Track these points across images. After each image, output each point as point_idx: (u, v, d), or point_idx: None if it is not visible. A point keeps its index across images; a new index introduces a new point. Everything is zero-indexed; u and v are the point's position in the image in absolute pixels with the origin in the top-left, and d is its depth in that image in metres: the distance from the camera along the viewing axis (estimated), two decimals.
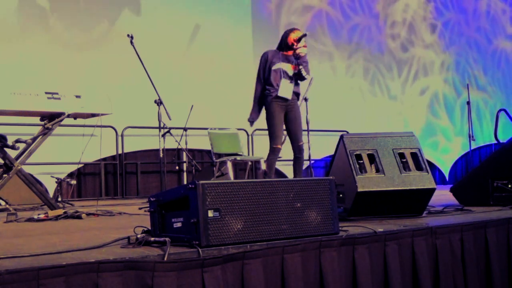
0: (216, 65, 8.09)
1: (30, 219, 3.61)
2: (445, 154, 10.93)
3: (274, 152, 5.07)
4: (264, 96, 5.11)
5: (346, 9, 9.70)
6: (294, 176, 5.17)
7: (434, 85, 11.04)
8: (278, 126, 5.05)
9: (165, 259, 1.89)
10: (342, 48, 9.58)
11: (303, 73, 5.07)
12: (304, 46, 5.08)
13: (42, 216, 3.66)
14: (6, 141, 4.20)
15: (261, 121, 8.22)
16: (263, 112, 5.20)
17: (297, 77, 5.10)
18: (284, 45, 5.12)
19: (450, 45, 11.39)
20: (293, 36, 5.07)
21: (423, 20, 10.99)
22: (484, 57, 11.93)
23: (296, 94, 5.15)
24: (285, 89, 5.04)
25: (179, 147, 6.71)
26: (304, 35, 5.05)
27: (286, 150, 5.31)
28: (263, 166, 7.24)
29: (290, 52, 5.08)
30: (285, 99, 5.05)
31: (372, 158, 3.21)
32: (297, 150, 5.15)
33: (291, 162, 5.23)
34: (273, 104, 5.03)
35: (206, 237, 2.02)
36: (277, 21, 8.87)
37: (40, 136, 4.29)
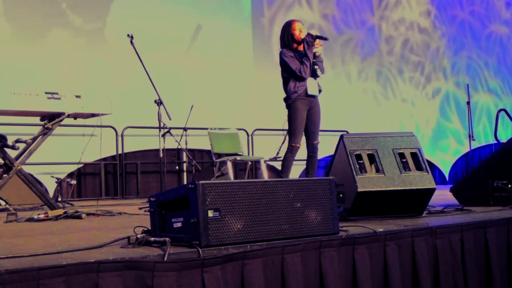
0: (216, 65, 8.10)
1: (30, 219, 3.61)
2: (456, 156, 10.97)
3: (292, 150, 4.99)
4: (288, 94, 5.04)
5: (339, 23, 9.69)
6: (307, 176, 5.13)
7: (445, 88, 11.07)
8: (300, 125, 4.97)
9: (165, 259, 1.89)
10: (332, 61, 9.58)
11: (318, 72, 5.05)
12: (320, 45, 5.06)
13: (42, 216, 3.65)
14: (6, 141, 4.20)
15: (261, 121, 8.28)
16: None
17: (312, 76, 5.08)
18: (293, 42, 5.05)
19: (460, 48, 11.42)
20: (297, 32, 5.02)
21: (431, 23, 11.01)
22: (493, 59, 11.95)
23: (319, 91, 5.12)
24: (311, 86, 5.02)
25: (179, 147, 6.71)
26: (324, 38, 5.00)
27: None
28: (263, 166, 7.24)
29: (301, 47, 5.03)
30: (311, 96, 5.02)
31: (372, 158, 3.21)
32: (311, 148, 5.10)
33: (297, 162, 5.17)
34: (297, 102, 4.97)
35: (206, 237, 2.02)
36: (270, 35, 8.84)
37: (40, 136, 4.29)
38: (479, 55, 11.71)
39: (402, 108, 10.37)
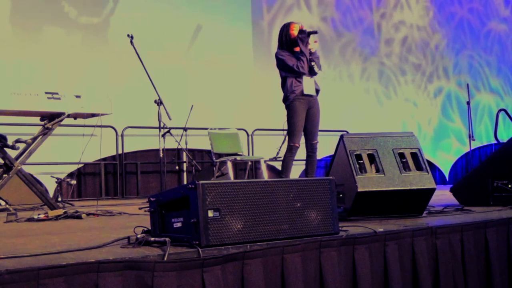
0: (216, 65, 8.10)
1: (30, 219, 3.61)
2: (458, 156, 10.98)
3: (291, 150, 4.98)
4: (286, 94, 5.01)
5: (338, 25, 9.68)
6: (307, 176, 5.13)
7: (447, 88, 11.08)
8: (299, 125, 4.96)
9: (165, 259, 1.89)
10: (333, 64, 9.58)
11: (316, 69, 5.05)
12: (315, 42, 5.06)
13: (42, 216, 3.66)
14: (6, 141, 4.20)
15: (261, 121, 8.28)
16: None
17: (309, 73, 5.09)
18: (290, 43, 5.05)
19: (461, 47, 11.42)
20: (295, 32, 5.02)
21: (431, 22, 11.01)
22: (494, 58, 11.96)
23: (316, 91, 5.12)
24: (307, 85, 5.02)
25: (179, 147, 6.70)
26: (315, 32, 5.02)
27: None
28: (263, 166, 7.24)
29: (297, 48, 5.03)
30: (309, 96, 5.03)
31: (372, 158, 3.21)
32: (310, 148, 5.09)
33: (297, 162, 5.16)
34: (295, 102, 4.96)
35: (206, 237, 2.02)
36: (270, 36, 8.83)
37: (40, 136, 4.29)
38: (480, 54, 11.71)
39: (404, 108, 10.37)
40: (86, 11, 7.28)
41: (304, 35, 4.95)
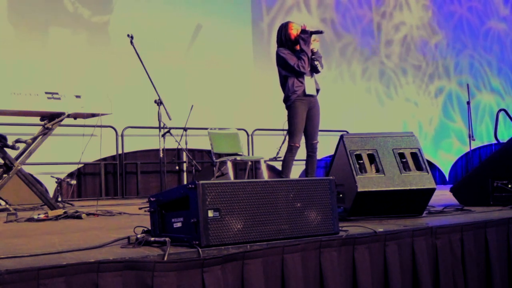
0: (217, 65, 8.10)
1: (30, 219, 3.61)
2: (458, 156, 10.99)
3: (291, 150, 4.97)
4: (287, 94, 5.00)
5: (338, 27, 9.68)
6: (307, 176, 5.12)
7: (448, 88, 11.08)
8: (300, 125, 4.96)
9: (165, 259, 1.89)
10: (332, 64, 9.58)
11: (319, 67, 5.05)
12: (317, 41, 5.05)
13: (42, 216, 3.66)
14: (6, 141, 4.20)
15: (261, 121, 8.28)
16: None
17: (312, 71, 5.09)
18: (290, 43, 5.03)
19: (462, 47, 11.42)
20: (294, 32, 5.01)
21: (432, 22, 11.01)
22: (494, 58, 11.95)
23: (317, 90, 5.12)
24: (309, 85, 5.01)
25: (179, 147, 6.71)
26: (319, 32, 5.01)
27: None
28: (263, 166, 7.23)
29: (298, 47, 5.02)
30: (310, 96, 5.02)
31: (372, 158, 3.21)
32: (310, 148, 5.09)
33: (297, 162, 5.16)
34: (297, 103, 4.96)
35: (206, 237, 2.02)
36: (270, 36, 8.82)
37: (40, 136, 4.29)
38: (480, 53, 11.71)
39: (404, 108, 10.37)
40: (86, 11, 7.28)
41: (307, 35, 4.94)
